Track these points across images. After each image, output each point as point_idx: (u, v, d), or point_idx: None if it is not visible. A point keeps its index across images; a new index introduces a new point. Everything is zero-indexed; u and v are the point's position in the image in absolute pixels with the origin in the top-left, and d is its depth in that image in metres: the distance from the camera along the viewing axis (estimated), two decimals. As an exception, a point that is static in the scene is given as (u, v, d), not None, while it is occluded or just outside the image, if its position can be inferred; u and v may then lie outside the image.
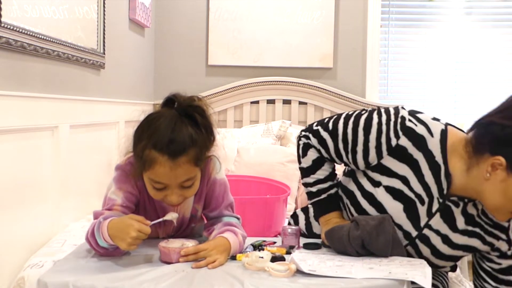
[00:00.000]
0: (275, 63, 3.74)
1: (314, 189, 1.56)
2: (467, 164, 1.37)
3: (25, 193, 1.79)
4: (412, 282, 1.22)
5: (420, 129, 1.40)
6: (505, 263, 1.48)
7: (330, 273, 1.21)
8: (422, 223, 1.43)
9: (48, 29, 1.96)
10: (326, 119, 1.55)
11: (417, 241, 1.44)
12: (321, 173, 1.55)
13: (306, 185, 1.58)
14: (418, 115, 1.44)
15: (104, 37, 2.53)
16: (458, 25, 3.92)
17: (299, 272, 1.23)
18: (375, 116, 1.45)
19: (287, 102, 3.70)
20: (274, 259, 1.31)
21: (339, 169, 1.60)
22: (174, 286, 1.15)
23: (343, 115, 1.52)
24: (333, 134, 1.50)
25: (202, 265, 1.27)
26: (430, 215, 1.43)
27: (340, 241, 1.39)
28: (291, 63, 3.74)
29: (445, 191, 1.41)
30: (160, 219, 1.37)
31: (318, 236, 1.62)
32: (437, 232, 1.43)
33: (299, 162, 1.59)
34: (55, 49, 2.00)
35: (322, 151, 1.53)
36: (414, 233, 1.44)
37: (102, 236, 1.28)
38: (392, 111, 1.45)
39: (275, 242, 1.53)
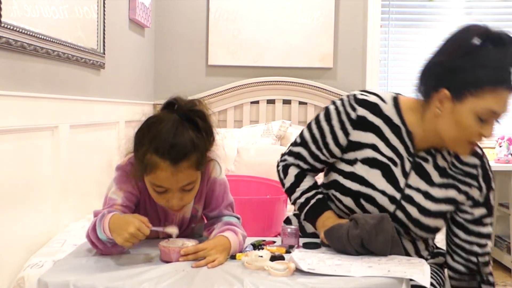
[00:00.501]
0: (275, 63, 3.75)
1: (302, 199, 1.60)
2: (420, 112, 1.50)
3: (25, 193, 1.79)
4: (411, 280, 1.22)
5: (372, 98, 1.54)
6: (477, 212, 1.55)
7: (329, 272, 1.21)
8: (402, 184, 1.51)
9: (48, 29, 1.96)
10: (293, 139, 1.67)
11: (403, 202, 1.50)
12: (305, 185, 1.61)
13: (294, 200, 1.63)
14: (368, 90, 1.60)
15: (104, 37, 2.53)
16: (458, 25, 3.92)
17: (298, 271, 1.23)
18: (331, 106, 1.58)
19: (287, 102, 3.70)
20: (274, 258, 1.31)
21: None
22: (174, 285, 1.15)
23: (305, 126, 1.64)
24: (303, 143, 1.61)
25: (201, 264, 1.27)
26: (405, 174, 1.51)
27: (340, 240, 1.40)
28: (291, 63, 3.74)
29: (411, 149, 1.52)
30: (161, 229, 1.38)
31: (312, 236, 1.63)
32: (418, 189, 1.50)
33: (283, 185, 1.66)
34: (55, 49, 2.00)
35: (301, 163, 1.62)
36: (397, 195, 1.49)
37: (103, 228, 1.29)
38: (344, 97, 1.59)
39: (274, 242, 1.53)
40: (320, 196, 1.59)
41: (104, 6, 2.53)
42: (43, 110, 1.90)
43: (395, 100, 1.55)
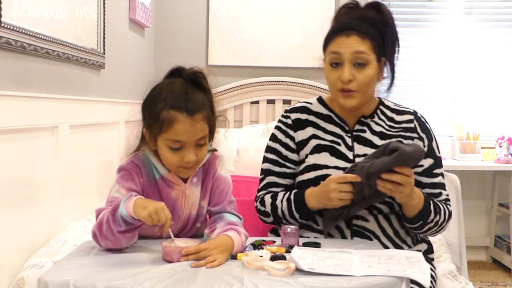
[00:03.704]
0: (275, 63, 3.74)
1: (284, 203, 1.68)
2: None
3: (25, 193, 1.79)
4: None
5: (299, 104, 1.81)
6: (426, 163, 1.70)
7: (329, 271, 1.22)
8: (350, 156, 1.69)
9: (48, 29, 1.96)
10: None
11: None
12: (281, 196, 1.70)
13: (281, 212, 1.69)
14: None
15: (104, 37, 2.53)
16: (458, 25, 3.92)
17: (298, 270, 1.23)
18: (273, 131, 1.80)
19: (287, 102, 3.70)
20: (274, 258, 1.31)
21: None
22: (174, 285, 1.16)
23: (262, 162, 1.79)
24: (267, 171, 1.76)
25: (201, 264, 1.27)
26: (350, 148, 1.70)
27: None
28: (291, 63, 3.74)
29: (346, 128, 1.73)
30: (171, 238, 1.37)
31: None
32: (365, 155, 1.64)
33: (267, 215, 1.73)
34: (55, 49, 2.00)
35: (273, 189, 1.74)
36: (350, 166, 1.61)
37: (126, 206, 1.31)
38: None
39: (274, 242, 1.53)
40: (295, 190, 1.69)
41: (104, 6, 2.52)
42: (43, 110, 1.90)
43: (319, 98, 1.82)
